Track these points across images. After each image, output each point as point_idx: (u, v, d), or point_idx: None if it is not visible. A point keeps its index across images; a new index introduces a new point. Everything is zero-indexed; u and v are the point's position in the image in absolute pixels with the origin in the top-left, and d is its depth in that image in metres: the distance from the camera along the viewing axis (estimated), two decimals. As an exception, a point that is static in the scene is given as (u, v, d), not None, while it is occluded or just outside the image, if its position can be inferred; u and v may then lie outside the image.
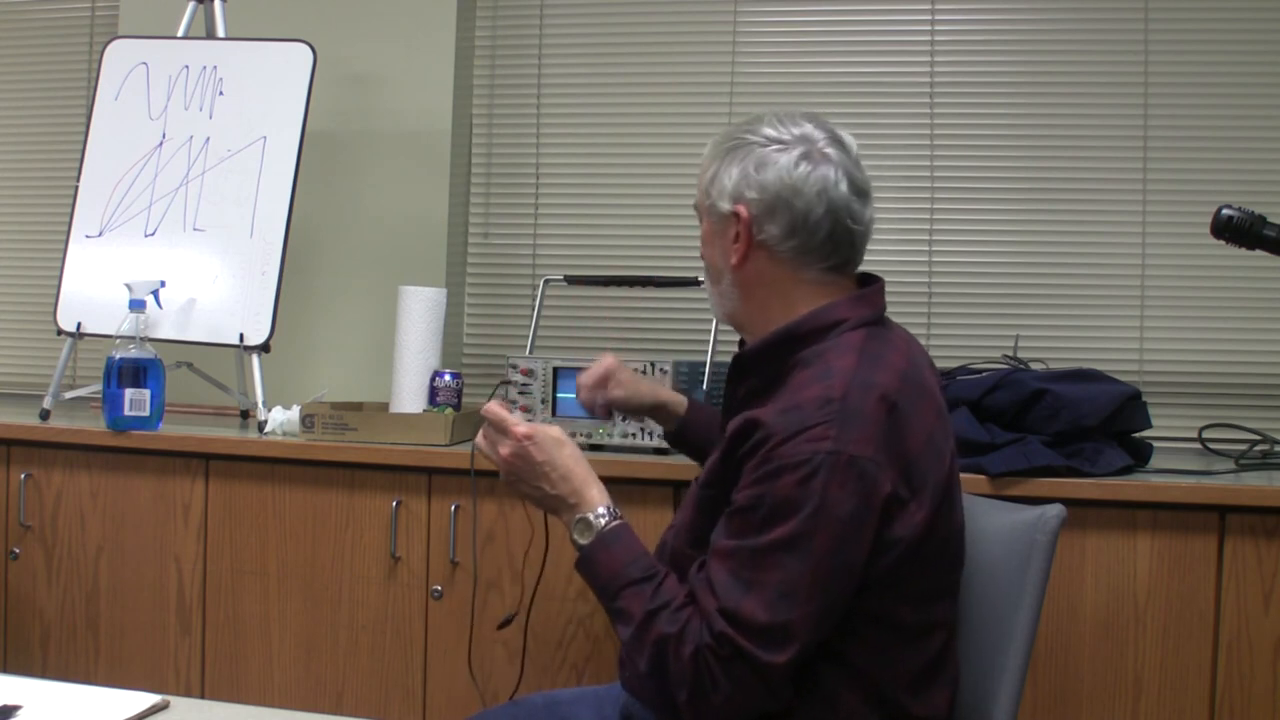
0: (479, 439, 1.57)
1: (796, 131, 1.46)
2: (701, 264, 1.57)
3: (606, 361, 1.86)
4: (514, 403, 2.28)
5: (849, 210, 1.45)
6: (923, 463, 1.36)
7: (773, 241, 1.45)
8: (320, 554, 2.28)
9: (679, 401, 1.91)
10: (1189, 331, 2.60)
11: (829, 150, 1.46)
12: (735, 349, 1.57)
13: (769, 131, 1.47)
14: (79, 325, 2.60)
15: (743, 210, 1.46)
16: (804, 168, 1.44)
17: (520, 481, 1.53)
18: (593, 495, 1.49)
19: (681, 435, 1.91)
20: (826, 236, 1.45)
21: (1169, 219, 2.60)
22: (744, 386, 1.49)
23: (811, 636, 1.32)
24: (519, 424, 1.52)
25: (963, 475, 1.97)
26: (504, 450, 1.53)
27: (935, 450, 1.40)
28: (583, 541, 1.46)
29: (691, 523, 1.47)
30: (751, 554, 1.31)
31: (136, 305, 2.39)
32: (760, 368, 1.47)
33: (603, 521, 1.46)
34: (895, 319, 1.54)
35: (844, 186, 1.45)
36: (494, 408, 1.55)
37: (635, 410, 1.92)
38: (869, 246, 1.51)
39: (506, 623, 2.06)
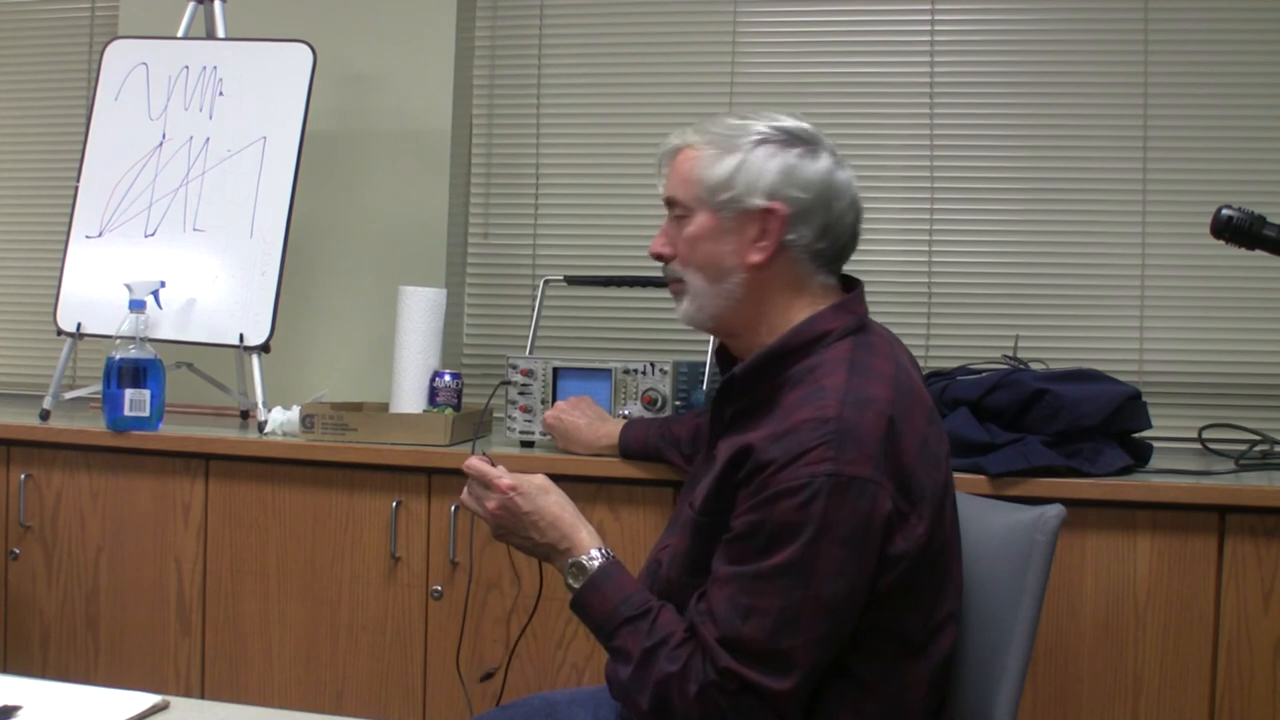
0: (464, 495, 1.56)
1: (809, 128, 1.43)
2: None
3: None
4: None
5: (860, 217, 1.45)
6: (919, 473, 1.33)
7: (802, 243, 1.41)
8: (320, 554, 2.28)
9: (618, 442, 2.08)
10: (1189, 331, 2.60)
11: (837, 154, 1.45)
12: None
13: (786, 123, 1.43)
14: (79, 325, 2.60)
15: (780, 208, 1.40)
16: (842, 172, 1.42)
17: (509, 534, 1.53)
18: (583, 538, 1.47)
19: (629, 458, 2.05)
20: (848, 242, 1.44)
21: (1169, 219, 2.60)
22: (732, 407, 1.46)
23: (816, 661, 1.30)
24: (502, 476, 1.51)
25: (962, 475, 1.99)
26: (490, 504, 1.52)
27: (930, 456, 1.36)
28: (576, 585, 1.45)
29: (688, 550, 1.44)
30: (751, 580, 1.29)
31: (136, 305, 2.39)
32: (750, 389, 1.43)
33: (595, 563, 1.44)
34: (896, 319, 1.54)
35: (856, 192, 1.44)
36: (475, 462, 1.54)
37: None
38: (866, 244, 1.51)
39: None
